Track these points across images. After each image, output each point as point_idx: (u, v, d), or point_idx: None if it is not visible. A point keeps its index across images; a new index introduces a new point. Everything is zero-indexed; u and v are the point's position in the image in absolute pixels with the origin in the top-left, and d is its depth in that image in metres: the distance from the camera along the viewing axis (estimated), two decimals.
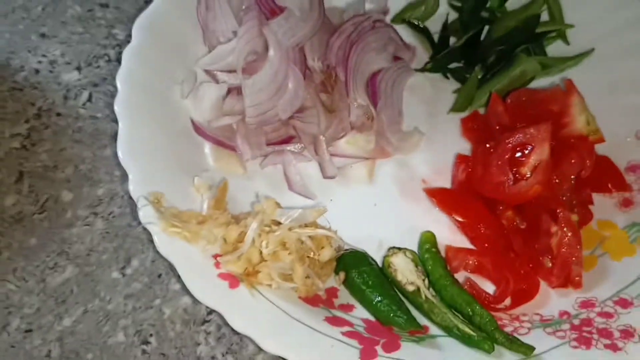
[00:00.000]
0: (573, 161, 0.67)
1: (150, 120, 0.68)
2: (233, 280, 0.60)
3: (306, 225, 0.64)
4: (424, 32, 0.84)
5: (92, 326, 0.64)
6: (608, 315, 0.61)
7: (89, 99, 0.78)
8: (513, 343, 0.58)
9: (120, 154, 0.64)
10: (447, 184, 0.74)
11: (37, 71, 0.80)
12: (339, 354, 0.57)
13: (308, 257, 0.63)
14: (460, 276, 0.66)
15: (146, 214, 0.60)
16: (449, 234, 0.70)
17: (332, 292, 0.64)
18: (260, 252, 0.61)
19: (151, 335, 0.64)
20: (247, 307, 0.58)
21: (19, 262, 0.67)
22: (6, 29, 0.83)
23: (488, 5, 0.85)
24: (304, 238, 0.62)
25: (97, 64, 0.81)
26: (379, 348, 0.58)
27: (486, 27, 0.83)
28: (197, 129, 0.72)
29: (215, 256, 0.61)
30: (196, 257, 0.61)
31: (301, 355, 0.56)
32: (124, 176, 0.66)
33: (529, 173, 0.66)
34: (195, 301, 0.64)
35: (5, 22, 0.84)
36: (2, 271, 0.67)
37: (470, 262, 0.67)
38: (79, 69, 0.80)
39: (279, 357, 0.59)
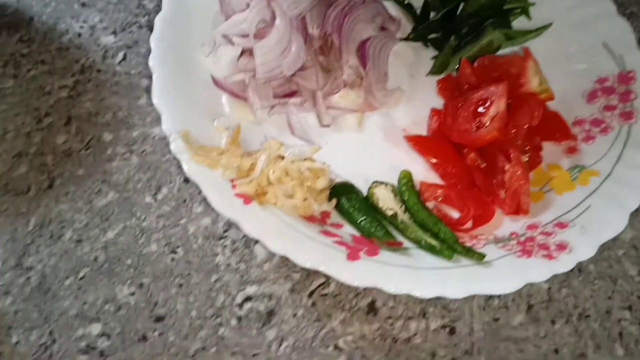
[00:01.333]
0: (524, 112, 0.77)
1: (178, 73, 0.75)
2: (246, 198, 0.68)
3: (305, 160, 0.74)
4: (408, 7, 0.91)
5: (130, 238, 0.73)
6: (548, 234, 0.70)
7: (124, 58, 0.86)
8: (469, 251, 0.68)
9: (154, 99, 0.71)
10: (423, 132, 0.82)
11: (79, 35, 0.87)
12: (331, 254, 0.66)
13: (306, 184, 0.72)
14: (431, 205, 0.76)
15: (177, 145, 0.68)
16: (424, 172, 0.79)
17: (325, 214, 0.72)
18: (268, 178, 0.70)
19: (178, 247, 0.73)
20: (258, 218, 0.67)
21: (69, 188, 0.76)
22: None
23: None
24: (303, 169, 0.72)
25: (130, 30, 0.88)
26: (362, 253, 0.67)
27: (462, 4, 0.89)
28: (216, 82, 0.79)
29: (232, 180, 0.69)
30: (217, 179, 0.68)
31: (299, 255, 0.64)
32: (154, 121, 0.74)
33: (488, 122, 0.75)
34: (214, 221, 0.75)
35: None
36: (56, 194, 0.75)
37: (439, 194, 0.76)
38: (114, 33, 0.88)
39: (282, 263, 0.69)
